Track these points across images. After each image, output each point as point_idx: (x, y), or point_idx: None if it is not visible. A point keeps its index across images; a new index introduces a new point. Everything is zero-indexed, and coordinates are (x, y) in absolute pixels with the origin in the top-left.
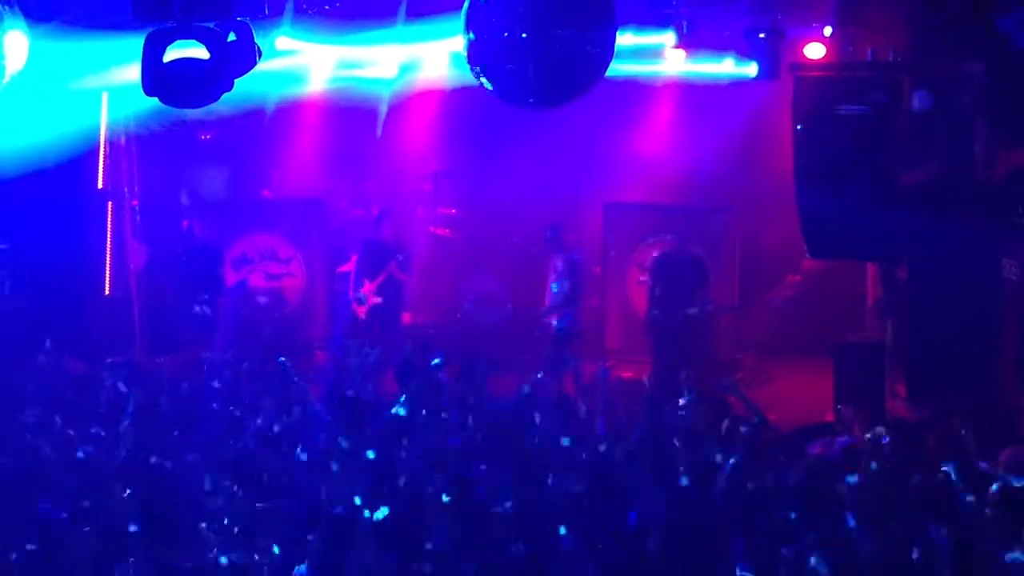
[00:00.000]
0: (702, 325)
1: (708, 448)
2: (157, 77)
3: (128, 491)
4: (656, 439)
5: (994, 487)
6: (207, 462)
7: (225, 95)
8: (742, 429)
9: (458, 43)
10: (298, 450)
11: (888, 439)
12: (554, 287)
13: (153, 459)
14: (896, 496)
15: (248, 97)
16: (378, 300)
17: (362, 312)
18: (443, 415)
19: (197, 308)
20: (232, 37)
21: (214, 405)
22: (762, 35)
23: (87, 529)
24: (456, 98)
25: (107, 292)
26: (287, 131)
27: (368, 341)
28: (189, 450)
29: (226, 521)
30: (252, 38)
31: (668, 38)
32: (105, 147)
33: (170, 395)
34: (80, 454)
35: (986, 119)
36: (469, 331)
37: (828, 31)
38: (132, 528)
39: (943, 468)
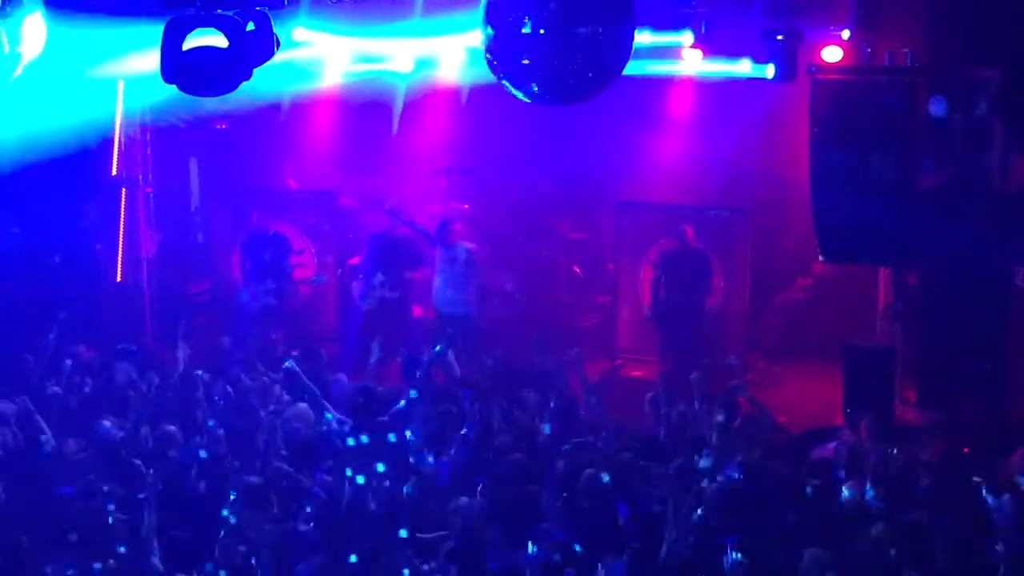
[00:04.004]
0: (705, 321)
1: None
2: (176, 65)
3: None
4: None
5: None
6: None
7: (242, 85)
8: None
9: (475, 38)
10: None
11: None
12: (439, 280)
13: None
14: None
15: (264, 88)
16: (394, 295)
17: (369, 303)
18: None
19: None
20: (251, 26)
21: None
22: (780, 37)
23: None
24: (472, 94)
25: (119, 279)
26: (302, 123)
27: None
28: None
29: None
30: (271, 28)
31: (686, 38)
32: (120, 135)
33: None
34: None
35: (1003, 126)
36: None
37: (846, 34)
38: None
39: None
